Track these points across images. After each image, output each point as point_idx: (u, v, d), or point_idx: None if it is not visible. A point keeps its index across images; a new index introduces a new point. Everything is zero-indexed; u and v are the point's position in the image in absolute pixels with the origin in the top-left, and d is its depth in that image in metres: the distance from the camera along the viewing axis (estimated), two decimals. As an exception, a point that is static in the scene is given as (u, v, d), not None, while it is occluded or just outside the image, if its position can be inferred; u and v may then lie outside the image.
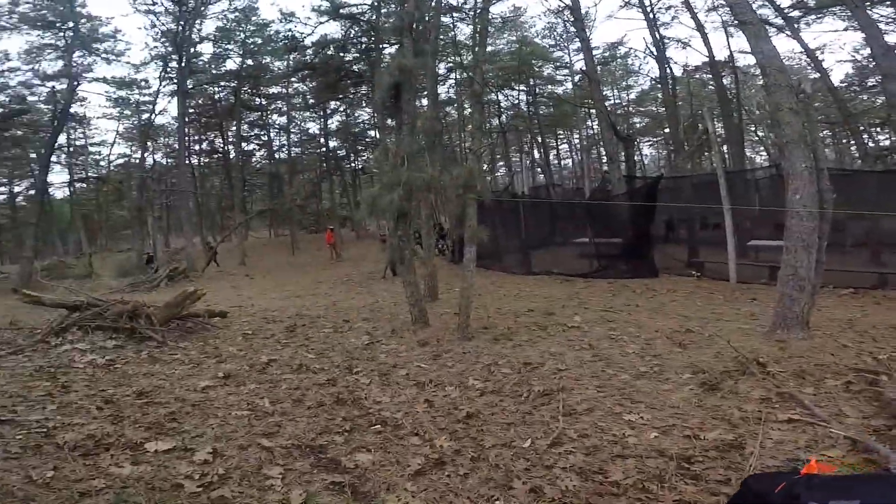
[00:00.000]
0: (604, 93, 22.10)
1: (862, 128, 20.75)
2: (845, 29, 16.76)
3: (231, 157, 28.07)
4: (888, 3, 14.50)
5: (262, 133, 29.92)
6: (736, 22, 7.59)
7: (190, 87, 22.33)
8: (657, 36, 19.45)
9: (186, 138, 24.77)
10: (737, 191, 10.12)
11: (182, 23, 20.64)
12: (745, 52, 17.70)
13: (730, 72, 20.98)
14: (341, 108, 27.63)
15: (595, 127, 25.98)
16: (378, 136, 23.61)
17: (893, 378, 3.28)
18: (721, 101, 20.30)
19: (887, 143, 20.56)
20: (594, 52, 18.18)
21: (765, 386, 3.27)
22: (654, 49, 19.52)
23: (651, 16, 19.28)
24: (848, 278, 7.56)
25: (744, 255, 9.13)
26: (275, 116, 29.14)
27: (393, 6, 18.19)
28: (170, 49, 21.22)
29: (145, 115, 25.09)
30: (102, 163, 30.08)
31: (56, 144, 21.63)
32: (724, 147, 20.26)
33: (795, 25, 16.19)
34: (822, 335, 4.71)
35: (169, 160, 28.66)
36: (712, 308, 6.42)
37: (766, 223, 9.76)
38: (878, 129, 22.55)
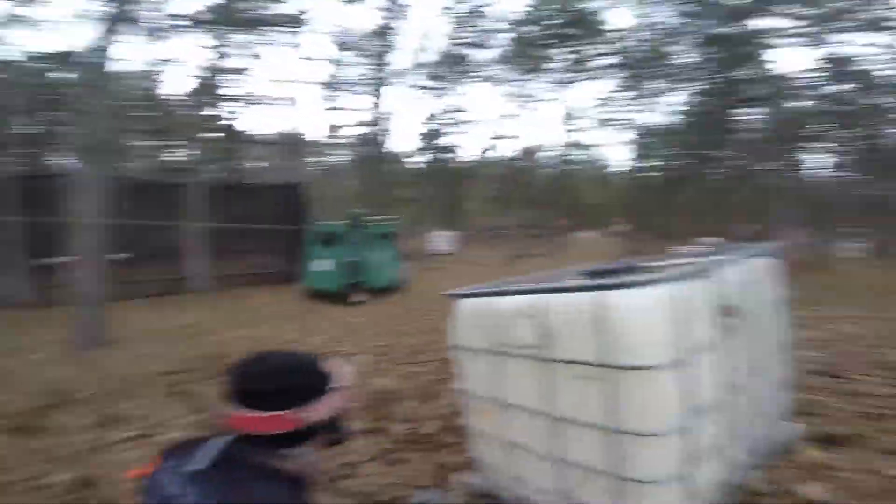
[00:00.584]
0: None
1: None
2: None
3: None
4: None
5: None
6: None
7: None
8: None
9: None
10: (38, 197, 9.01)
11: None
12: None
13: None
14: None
15: None
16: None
17: (195, 375, 3.89)
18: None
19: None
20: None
21: (90, 411, 3.46)
22: None
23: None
24: (150, 286, 9.88)
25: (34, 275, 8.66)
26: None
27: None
28: None
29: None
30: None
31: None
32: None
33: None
34: (127, 346, 5.23)
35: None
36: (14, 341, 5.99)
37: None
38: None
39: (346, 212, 11.91)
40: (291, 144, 22.98)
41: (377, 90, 23.54)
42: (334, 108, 19.24)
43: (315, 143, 27.26)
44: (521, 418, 2.07)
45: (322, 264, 10.07)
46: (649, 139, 30.70)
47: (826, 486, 2.18)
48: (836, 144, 22.22)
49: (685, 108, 28.75)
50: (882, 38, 20.39)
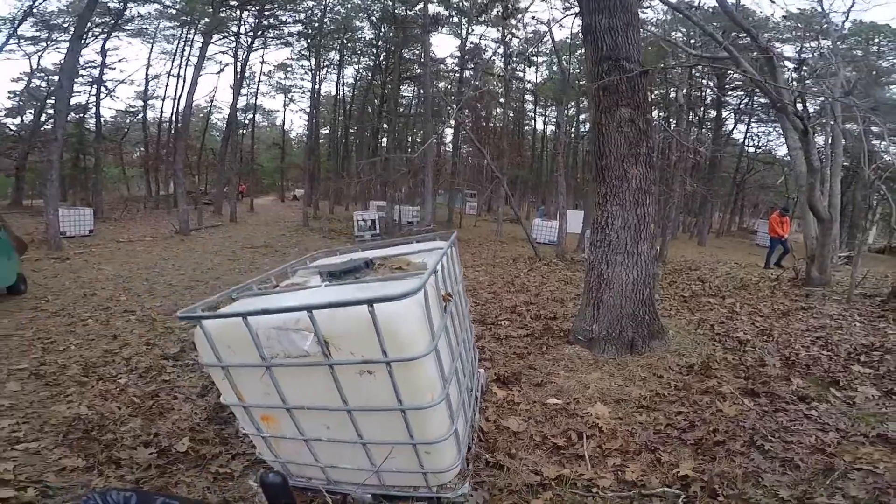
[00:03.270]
0: None
1: None
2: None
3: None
4: None
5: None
6: None
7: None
8: None
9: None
10: None
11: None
12: None
13: None
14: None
15: None
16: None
17: None
18: None
19: None
20: None
21: None
22: None
23: None
24: None
25: None
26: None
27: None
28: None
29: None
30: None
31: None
32: None
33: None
34: None
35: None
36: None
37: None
38: None
39: None
40: None
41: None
42: None
43: None
44: (309, 416, 2.12)
45: None
46: (324, 108, 31.77)
47: (517, 419, 3.08)
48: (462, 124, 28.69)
49: (356, 80, 31.03)
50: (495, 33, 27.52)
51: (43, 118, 24.13)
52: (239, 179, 27.08)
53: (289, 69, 30.52)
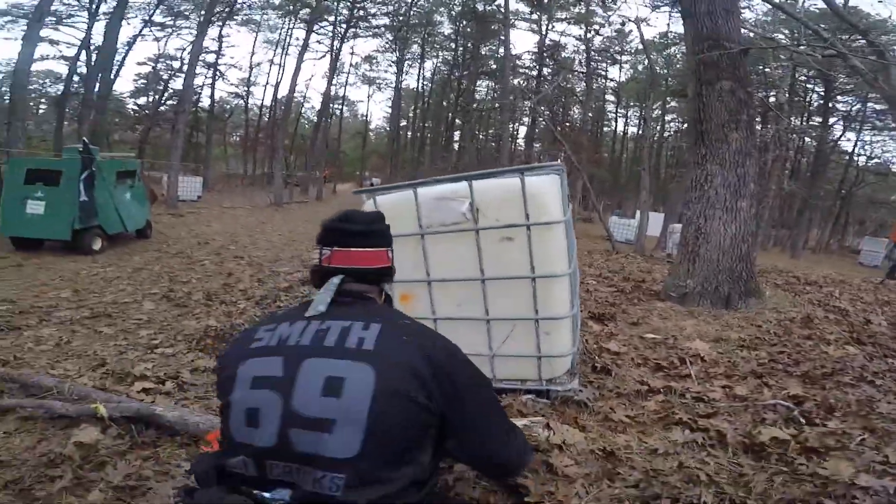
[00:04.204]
0: None
1: None
2: None
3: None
4: None
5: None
6: None
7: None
8: None
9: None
10: None
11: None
12: None
13: None
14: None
15: None
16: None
17: None
18: None
19: None
20: None
21: None
22: None
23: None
24: None
25: None
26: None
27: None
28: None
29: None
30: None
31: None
32: None
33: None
34: None
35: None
36: None
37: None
38: None
39: (66, 147, 9.17)
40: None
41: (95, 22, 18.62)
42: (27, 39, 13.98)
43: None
44: (445, 291, 2.41)
45: (34, 207, 7.54)
46: (404, 100, 32.97)
47: (617, 343, 3.29)
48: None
49: (434, 74, 31.94)
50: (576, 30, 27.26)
51: (163, 99, 27.34)
52: (325, 164, 29.03)
53: (374, 61, 32.08)
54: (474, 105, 31.41)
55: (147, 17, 23.78)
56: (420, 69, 31.94)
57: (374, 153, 37.81)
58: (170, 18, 25.63)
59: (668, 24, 25.24)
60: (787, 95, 21.49)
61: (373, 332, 0.96)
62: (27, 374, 2.70)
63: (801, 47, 8.44)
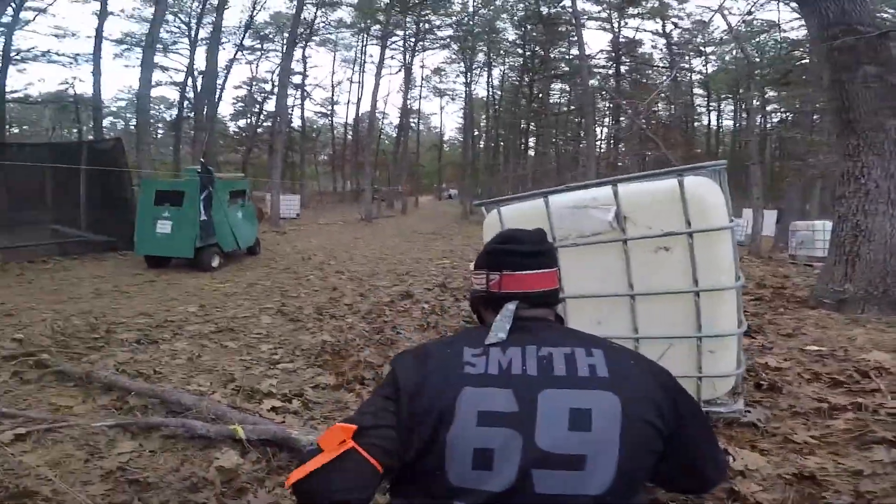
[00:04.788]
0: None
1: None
2: None
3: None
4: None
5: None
6: None
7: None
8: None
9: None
10: None
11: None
12: None
13: None
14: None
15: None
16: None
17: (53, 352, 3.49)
18: None
19: None
20: None
21: None
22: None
23: None
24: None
25: None
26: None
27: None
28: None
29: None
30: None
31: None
32: None
33: None
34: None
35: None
36: None
37: None
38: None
39: (186, 169, 10.13)
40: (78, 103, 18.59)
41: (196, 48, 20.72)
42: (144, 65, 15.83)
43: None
44: (583, 308, 2.22)
45: (163, 226, 8.36)
46: (474, 110, 33.16)
47: (776, 358, 2.91)
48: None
49: (503, 81, 31.83)
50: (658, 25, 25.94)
51: (259, 121, 29.74)
52: (407, 178, 30.04)
53: (443, 72, 32.73)
54: (549, 110, 30.75)
55: (238, 42, 25.98)
56: (488, 77, 32.01)
57: (449, 164, 38.40)
58: (257, 42, 27.88)
59: (752, 12, 22.94)
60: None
61: (599, 357, 0.89)
62: (168, 390, 2.89)
63: None
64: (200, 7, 21.95)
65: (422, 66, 32.24)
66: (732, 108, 30.22)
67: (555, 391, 0.85)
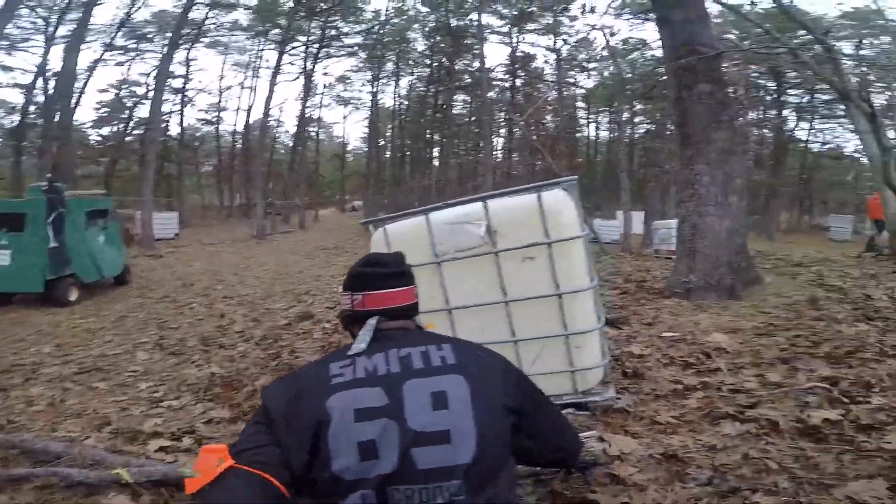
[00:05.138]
0: None
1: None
2: None
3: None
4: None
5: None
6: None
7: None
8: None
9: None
10: None
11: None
12: None
13: None
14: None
15: None
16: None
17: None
18: None
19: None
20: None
21: None
22: None
23: None
24: None
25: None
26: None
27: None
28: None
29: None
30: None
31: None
32: None
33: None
34: None
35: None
36: None
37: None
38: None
39: (31, 186, 8.71)
40: None
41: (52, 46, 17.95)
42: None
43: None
44: (466, 317, 2.34)
45: (0, 257, 7.11)
46: (380, 119, 32.89)
47: (639, 346, 3.28)
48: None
49: (410, 91, 32.09)
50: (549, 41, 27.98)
51: (128, 128, 26.31)
52: (305, 190, 28.70)
53: (348, 80, 32.01)
54: (457, 121, 31.68)
55: (108, 41, 22.64)
56: (396, 87, 32.01)
57: (352, 175, 37.65)
58: (133, 42, 24.57)
59: (630, 31, 26.22)
60: (743, 92, 22.58)
61: (447, 349, 1.06)
62: (29, 438, 2.53)
63: (758, 47, 9.01)
64: (66, 1, 18.86)
65: (325, 74, 31.10)
66: (608, 120, 33.72)
67: (416, 380, 1.00)
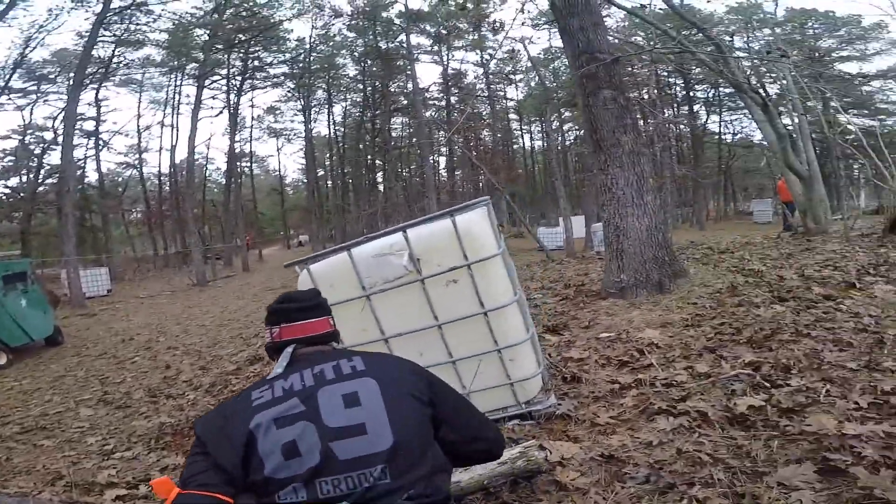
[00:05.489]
0: None
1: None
2: None
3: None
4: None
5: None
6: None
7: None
8: None
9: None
10: None
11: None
12: None
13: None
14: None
15: None
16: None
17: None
18: None
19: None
20: None
21: None
22: None
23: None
24: None
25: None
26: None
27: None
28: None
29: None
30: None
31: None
32: None
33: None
34: None
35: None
36: None
37: None
38: None
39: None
40: None
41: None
42: None
43: None
44: (404, 344, 2.39)
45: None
46: (316, 148, 32.31)
47: (577, 350, 3.38)
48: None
49: (345, 118, 31.82)
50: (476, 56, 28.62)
51: (40, 177, 23.96)
52: (245, 229, 27.57)
53: (278, 112, 31.24)
54: (392, 143, 31.72)
55: (3, 84, 20.80)
56: (329, 114, 31.44)
57: (294, 209, 36.70)
58: (32, 84, 22.69)
59: (549, 41, 27.56)
60: (655, 92, 24.24)
61: (357, 360, 1.19)
62: None
63: (658, 47, 9.73)
64: None
65: (251, 106, 30.19)
66: (539, 129, 35.09)
67: (328, 387, 1.13)
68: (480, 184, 27.54)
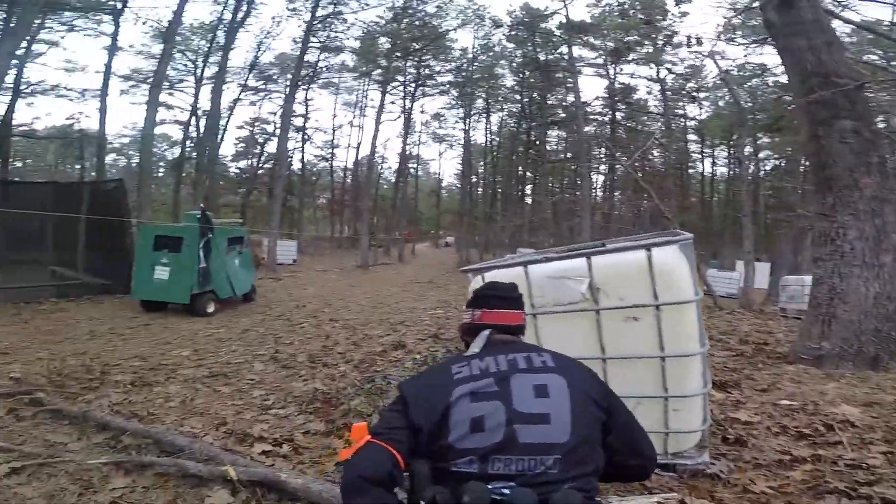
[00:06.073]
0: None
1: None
2: None
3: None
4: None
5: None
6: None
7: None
8: None
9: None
10: None
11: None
12: None
13: None
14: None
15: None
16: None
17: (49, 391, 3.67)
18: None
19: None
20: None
21: None
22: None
23: None
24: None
25: None
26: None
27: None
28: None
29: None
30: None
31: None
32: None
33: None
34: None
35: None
36: None
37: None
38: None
39: (187, 214, 10.38)
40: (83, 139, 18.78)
41: (201, 87, 21.21)
42: (150, 104, 15.88)
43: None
44: None
45: (161, 272, 8.51)
46: (473, 156, 33.54)
47: (747, 412, 3.00)
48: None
49: (500, 128, 32.45)
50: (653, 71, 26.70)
51: (260, 162, 29.45)
52: (406, 225, 30.25)
53: (442, 118, 33.37)
54: (546, 156, 31.37)
55: (242, 82, 26.03)
56: (487, 123, 32.45)
57: (447, 211, 38.89)
58: (262, 83, 27.90)
59: (745, 56, 24.13)
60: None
61: (547, 356, 1.27)
62: (162, 431, 2.99)
63: None
64: (208, 46, 22.27)
65: (421, 112, 32.90)
66: (727, 154, 31.05)
67: (521, 375, 1.21)
68: (642, 208, 25.49)
